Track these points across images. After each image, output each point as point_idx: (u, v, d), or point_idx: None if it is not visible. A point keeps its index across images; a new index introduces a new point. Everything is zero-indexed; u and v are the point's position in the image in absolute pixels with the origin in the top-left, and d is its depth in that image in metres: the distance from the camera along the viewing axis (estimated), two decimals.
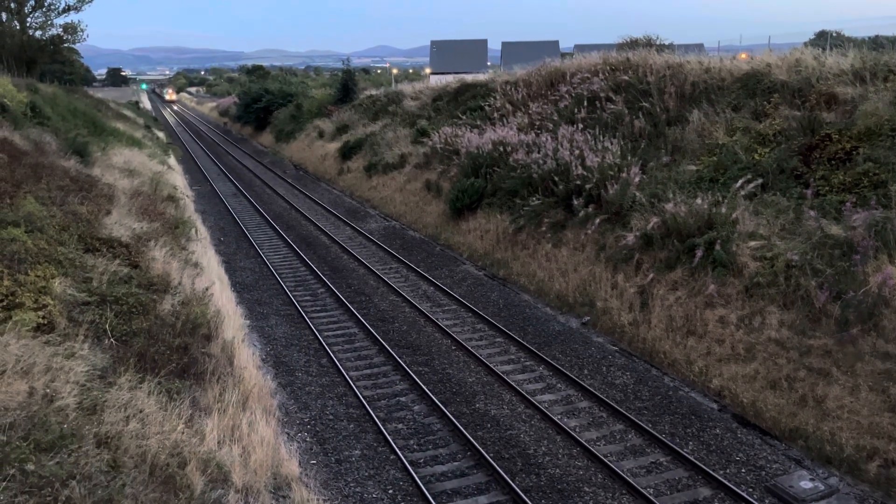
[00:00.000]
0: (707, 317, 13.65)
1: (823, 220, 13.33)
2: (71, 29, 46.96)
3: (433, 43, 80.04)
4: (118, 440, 6.83)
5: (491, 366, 14.12)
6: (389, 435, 11.54)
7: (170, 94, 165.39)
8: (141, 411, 7.60)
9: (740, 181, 15.45)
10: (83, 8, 45.41)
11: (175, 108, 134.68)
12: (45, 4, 44.80)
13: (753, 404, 11.87)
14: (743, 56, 23.27)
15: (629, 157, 19.09)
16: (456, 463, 10.92)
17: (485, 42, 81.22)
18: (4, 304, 8.60)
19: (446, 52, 75.88)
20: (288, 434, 11.45)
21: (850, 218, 12.81)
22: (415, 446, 11.38)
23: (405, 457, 10.92)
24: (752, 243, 13.88)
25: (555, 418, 11.97)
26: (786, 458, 10.80)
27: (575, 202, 18.70)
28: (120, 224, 15.70)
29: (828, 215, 13.52)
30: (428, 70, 77.10)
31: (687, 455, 10.78)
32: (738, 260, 13.73)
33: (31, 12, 44.77)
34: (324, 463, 10.88)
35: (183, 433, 7.78)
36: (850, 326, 11.38)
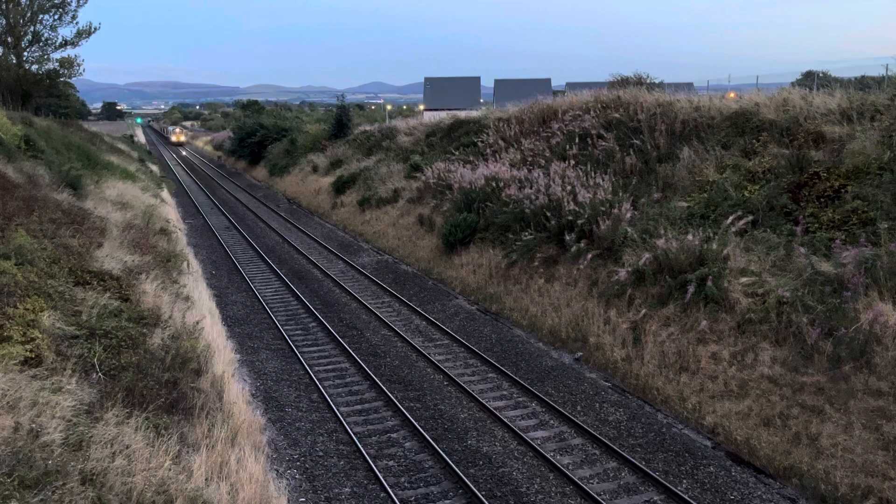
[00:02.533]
0: (700, 353, 13.63)
1: (814, 256, 13.42)
2: (67, 63, 47.34)
3: (427, 80, 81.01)
4: (104, 477, 6.71)
5: (483, 402, 14.01)
6: (380, 472, 11.37)
7: (176, 136, 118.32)
8: (127, 447, 7.47)
9: (731, 218, 15.57)
10: (80, 43, 45.84)
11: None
12: (43, 39, 45.22)
13: (747, 442, 11.79)
14: (731, 95, 23.64)
15: (620, 194, 19.24)
16: (448, 501, 10.75)
17: (478, 79, 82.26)
18: None
19: (440, 89, 76.77)
20: (277, 471, 11.27)
21: (840, 255, 12.90)
22: (406, 484, 11.22)
23: (396, 495, 10.75)
24: (744, 279, 13.94)
25: (548, 455, 11.85)
26: (781, 498, 10.69)
27: (567, 237, 18.78)
28: (111, 257, 15.63)
29: (818, 252, 13.61)
30: (422, 106, 77.90)
31: (681, 494, 10.65)
32: (729, 296, 13.77)
33: (27, 46, 45.15)
34: (313, 501, 10.70)
35: (170, 470, 7.65)
36: (843, 363, 11.38)
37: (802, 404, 11.55)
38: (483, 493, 10.81)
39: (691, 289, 14.27)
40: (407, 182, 32.98)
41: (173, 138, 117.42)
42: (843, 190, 14.87)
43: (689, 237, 15.28)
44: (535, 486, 11.13)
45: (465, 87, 77.34)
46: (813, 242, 14.00)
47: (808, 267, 13.20)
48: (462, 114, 39.01)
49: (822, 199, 15.08)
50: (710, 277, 14.06)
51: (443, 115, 40.75)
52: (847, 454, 10.59)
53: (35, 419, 7.17)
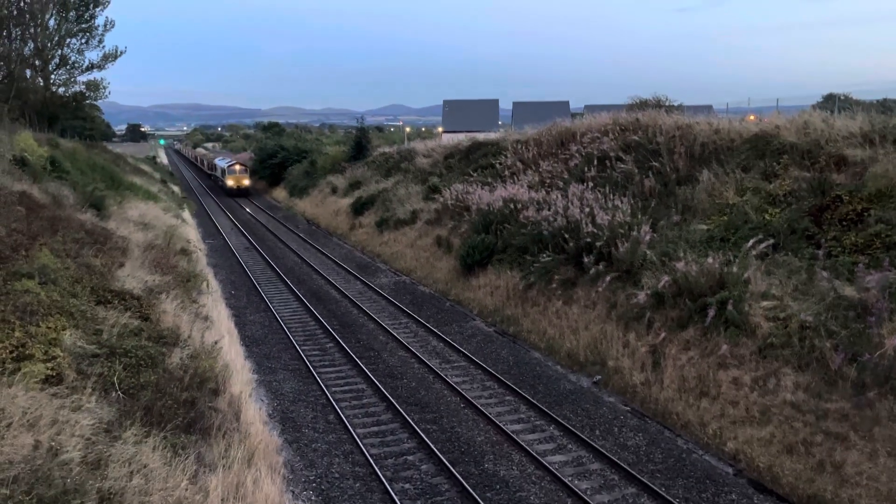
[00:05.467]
0: (720, 378, 13.45)
1: (836, 281, 13.24)
2: (93, 86, 48.29)
3: (445, 102, 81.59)
4: (121, 496, 6.72)
5: (501, 425, 13.90)
6: (396, 495, 11.29)
7: (236, 178, 65.71)
8: (145, 466, 7.50)
9: (752, 241, 15.43)
10: (106, 66, 46.79)
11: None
12: (70, 62, 46.22)
13: (770, 469, 11.57)
14: (751, 118, 23.56)
15: (639, 216, 19.15)
16: None
17: (496, 102, 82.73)
18: (14, 355, 8.60)
19: (458, 112, 77.25)
20: (293, 492, 11.23)
21: (864, 279, 12.72)
22: None
23: None
24: (765, 303, 13.77)
25: (566, 480, 11.70)
26: None
27: (585, 259, 18.70)
28: (132, 277, 15.80)
29: (841, 276, 13.43)
30: (440, 129, 78.39)
31: None
32: (750, 320, 13.60)
33: (55, 70, 46.15)
34: None
35: (186, 490, 7.65)
36: (867, 390, 11.17)
37: (826, 431, 11.33)
38: None
39: (711, 312, 14.12)
40: (425, 203, 33.10)
41: (230, 182, 64.61)
42: (865, 213, 14.69)
43: (709, 260, 15.15)
44: None
45: (484, 110, 77.76)
46: (835, 266, 13.82)
47: (831, 291, 13.02)
48: (480, 136, 39.20)
49: (844, 223, 14.91)
50: (731, 301, 13.91)
51: (461, 138, 40.97)
52: (872, 482, 10.35)
53: (55, 437, 7.22)
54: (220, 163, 74.94)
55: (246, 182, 65.51)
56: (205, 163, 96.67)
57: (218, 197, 64.67)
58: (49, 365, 8.67)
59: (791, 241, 15.48)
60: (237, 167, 67.08)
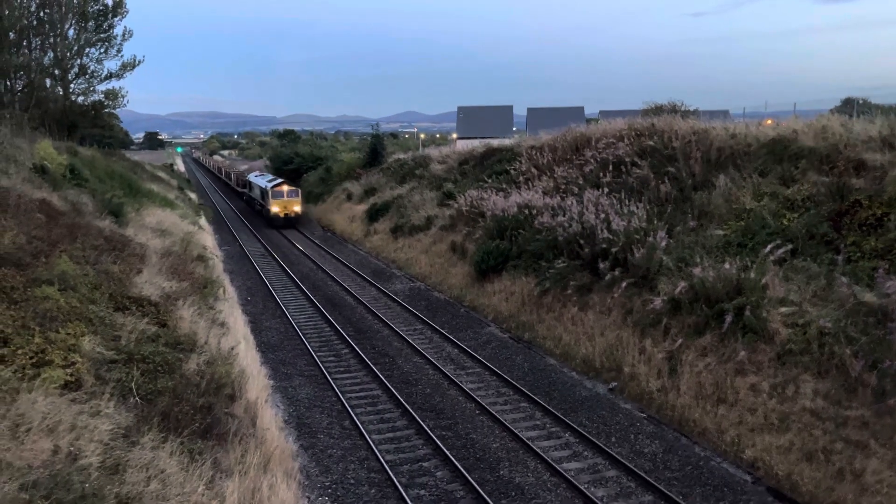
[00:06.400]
0: (738, 384, 13.32)
1: (856, 286, 13.08)
2: (112, 95, 48.75)
3: (460, 109, 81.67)
4: (139, 501, 6.77)
5: (516, 431, 13.85)
6: (411, 501, 11.28)
7: (283, 204, 47.16)
8: (162, 471, 7.55)
9: (769, 246, 15.29)
10: (125, 75, 47.21)
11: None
12: (89, 71, 46.71)
13: (789, 477, 11.44)
14: (768, 122, 23.38)
15: (655, 222, 19.05)
16: None
17: (510, 108, 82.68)
18: (34, 360, 8.70)
19: (473, 118, 77.27)
20: (308, 498, 11.25)
21: (884, 285, 12.57)
22: None
23: None
24: (783, 309, 13.64)
25: (582, 487, 11.63)
26: None
27: (601, 265, 18.62)
28: (150, 283, 15.93)
29: (860, 282, 13.28)
30: (454, 135, 78.46)
31: None
32: (768, 326, 13.47)
33: (74, 79, 46.67)
34: None
35: (203, 495, 7.69)
36: (888, 397, 11.02)
37: (846, 439, 11.19)
38: None
39: (729, 318, 14.00)
40: (440, 210, 33.14)
41: (275, 208, 47.50)
42: (885, 218, 14.52)
43: (726, 266, 15.03)
44: None
45: (498, 116, 77.72)
46: (855, 272, 13.67)
47: (851, 297, 12.86)
48: (495, 142, 39.21)
49: (864, 228, 14.74)
50: (749, 307, 13.79)
51: (476, 144, 41.00)
52: (893, 491, 10.20)
53: (74, 442, 7.29)
54: (259, 180, 55.07)
55: (297, 208, 47.16)
56: (232, 177, 78.60)
57: (233, 203, 64.69)
58: (68, 370, 8.76)
59: (810, 246, 15.33)
60: (285, 188, 48.25)
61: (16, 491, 5.98)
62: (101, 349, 10.12)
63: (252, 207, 58.15)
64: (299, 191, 49.44)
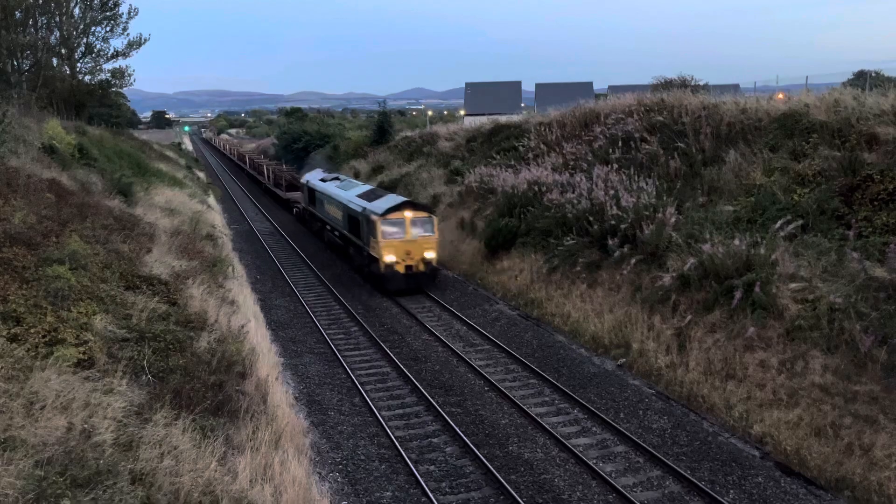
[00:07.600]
0: (747, 360, 13.32)
1: (867, 261, 13.00)
2: (119, 74, 48.62)
3: (468, 85, 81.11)
4: (153, 477, 6.86)
5: (525, 407, 13.93)
6: (421, 477, 11.39)
7: (412, 249, 22.91)
8: (175, 448, 7.64)
9: (780, 222, 15.20)
10: (131, 54, 47.02)
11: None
12: (95, 51, 46.56)
13: (797, 452, 11.47)
14: (780, 96, 23.11)
15: (665, 198, 18.95)
16: None
17: (518, 84, 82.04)
18: (47, 339, 8.78)
19: (480, 94, 76.75)
20: (319, 474, 11.38)
21: (895, 260, 12.48)
22: (447, 489, 11.22)
23: (437, 500, 10.76)
24: (793, 285, 13.59)
25: (590, 463, 11.71)
26: None
27: (610, 242, 18.57)
28: (160, 262, 16.00)
29: (871, 257, 13.19)
30: (462, 112, 78.02)
31: None
32: (778, 302, 13.43)
33: (81, 58, 46.54)
34: None
35: (216, 471, 7.78)
36: None
37: (855, 414, 11.19)
38: (524, 499, 10.74)
39: (738, 294, 13.96)
40: (447, 187, 33.05)
41: (389, 257, 22.95)
42: None
43: (736, 242, 14.96)
44: (577, 494, 11.02)
45: (506, 92, 77.16)
46: (866, 247, 13.57)
47: (862, 272, 12.79)
48: (503, 118, 38.96)
49: (875, 203, 14.61)
50: (758, 283, 13.74)
51: (483, 120, 40.75)
52: None
53: (87, 420, 7.38)
54: (337, 191, 29.24)
55: (430, 255, 23.69)
56: (256, 167, 61.06)
57: (241, 182, 64.28)
58: (81, 349, 8.84)
59: (820, 221, 15.22)
60: (408, 214, 23.52)
61: (31, 467, 6.07)
62: (112, 328, 10.20)
63: (309, 228, 35.77)
64: (434, 218, 24.44)
